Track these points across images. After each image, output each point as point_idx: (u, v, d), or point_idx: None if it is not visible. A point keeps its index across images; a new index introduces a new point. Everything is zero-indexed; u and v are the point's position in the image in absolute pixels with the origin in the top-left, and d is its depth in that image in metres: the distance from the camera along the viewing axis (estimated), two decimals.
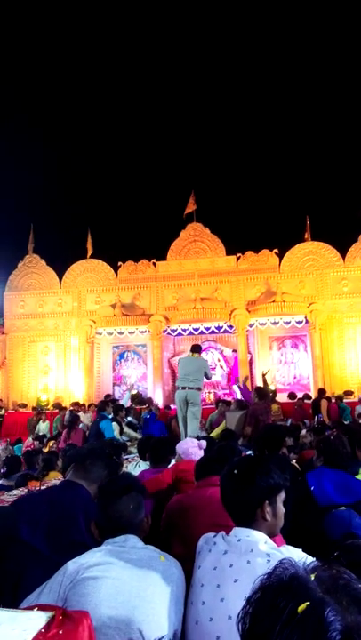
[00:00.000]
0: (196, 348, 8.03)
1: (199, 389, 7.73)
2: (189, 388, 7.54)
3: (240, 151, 24.33)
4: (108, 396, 12.50)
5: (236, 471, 1.82)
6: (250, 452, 4.63)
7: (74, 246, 18.25)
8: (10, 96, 24.74)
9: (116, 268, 17.22)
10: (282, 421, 11.28)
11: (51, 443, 9.58)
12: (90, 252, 17.49)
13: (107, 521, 1.80)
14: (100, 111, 26.13)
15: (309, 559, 1.53)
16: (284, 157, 23.34)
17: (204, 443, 3.77)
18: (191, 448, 3.63)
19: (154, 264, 16.96)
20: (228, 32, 26.28)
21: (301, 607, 0.68)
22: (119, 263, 17.18)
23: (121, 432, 9.20)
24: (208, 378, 8.10)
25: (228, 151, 25.38)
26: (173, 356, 16.94)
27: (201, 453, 3.58)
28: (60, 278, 17.50)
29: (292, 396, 13.64)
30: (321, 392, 12.66)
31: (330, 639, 0.64)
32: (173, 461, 3.93)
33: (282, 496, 1.76)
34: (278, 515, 1.74)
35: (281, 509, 1.75)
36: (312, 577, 0.75)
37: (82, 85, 26.08)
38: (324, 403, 11.78)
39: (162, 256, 17.03)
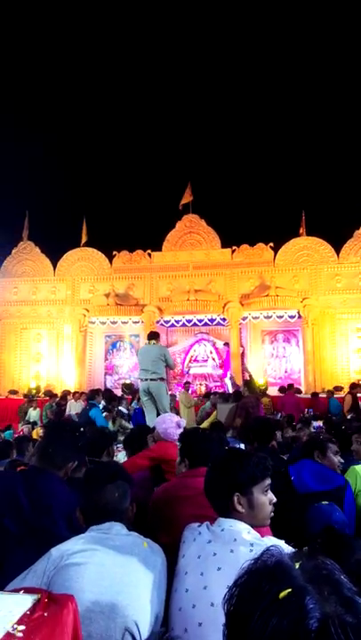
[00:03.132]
0: (153, 335, 7.46)
1: (162, 380, 7.12)
2: (151, 380, 7.00)
3: (238, 144, 24.25)
4: (108, 391, 12.05)
5: (211, 464, 1.88)
6: (241, 445, 4.66)
7: (69, 234, 18.19)
8: (6, 82, 24.46)
9: (110, 258, 17.17)
10: (272, 415, 11.36)
11: (39, 430, 9.59)
12: (84, 240, 17.42)
13: (92, 508, 1.81)
14: (98, 99, 25.91)
15: (290, 550, 1.56)
16: (283, 151, 23.28)
17: (183, 421, 3.74)
18: (170, 428, 3.60)
19: (149, 254, 16.91)
20: (226, 22, 26.06)
21: (283, 593, 0.70)
22: (114, 252, 17.13)
23: (113, 421, 9.25)
24: (171, 367, 7.46)
25: (226, 143, 25.30)
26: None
27: (179, 432, 3.55)
28: (55, 266, 17.42)
29: (282, 389, 13.71)
30: (352, 387, 11.98)
31: (307, 626, 0.65)
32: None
33: (262, 485, 1.77)
34: (257, 505, 1.74)
35: (260, 500, 1.75)
36: (297, 565, 0.77)
37: (80, 73, 25.83)
38: (348, 398, 11.31)
39: (157, 246, 16.99)
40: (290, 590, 0.70)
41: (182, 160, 24.27)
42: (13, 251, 17.67)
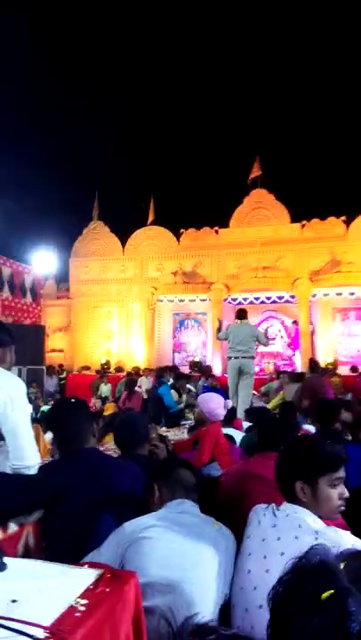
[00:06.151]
0: (243, 314, 7.66)
1: (253, 358, 7.45)
2: (243, 357, 7.27)
3: (307, 115, 23.24)
4: (175, 368, 12.23)
5: (283, 448, 1.87)
6: (310, 427, 4.52)
7: (137, 213, 18.39)
8: (80, 59, 24.73)
9: (178, 236, 17.19)
10: (342, 395, 11.04)
11: (111, 405, 9.89)
12: (151, 219, 17.53)
13: (170, 483, 1.90)
14: (165, 76, 25.66)
15: (359, 543, 1.51)
16: (354, 121, 22.05)
17: (229, 402, 3.72)
18: (218, 409, 3.56)
19: (216, 231, 16.76)
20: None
21: (325, 594, 0.70)
22: (181, 230, 17.13)
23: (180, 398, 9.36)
24: (265, 344, 7.78)
25: (295, 115, 24.32)
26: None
27: (224, 413, 3.52)
28: (123, 245, 17.71)
29: (354, 369, 13.28)
30: None
31: (348, 629, 0.65)
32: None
33: (330, 477, 1.69)
34: (320, 498, 1.68)
35: (325, 492, 1.68)
36: (342, 565, 0.77)
37: (151, 51, 25.66)
38: None
39: (224, 223, 16.79)
40: (333, 591, 0.70)
41: (249, 134, 23.64)
42: (84, 231, 18.15)
